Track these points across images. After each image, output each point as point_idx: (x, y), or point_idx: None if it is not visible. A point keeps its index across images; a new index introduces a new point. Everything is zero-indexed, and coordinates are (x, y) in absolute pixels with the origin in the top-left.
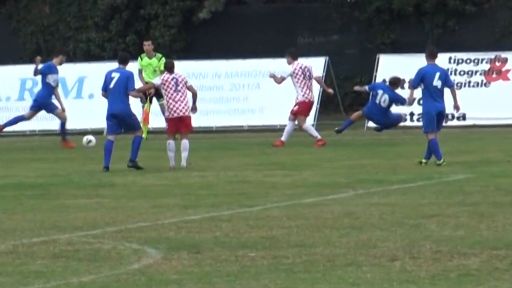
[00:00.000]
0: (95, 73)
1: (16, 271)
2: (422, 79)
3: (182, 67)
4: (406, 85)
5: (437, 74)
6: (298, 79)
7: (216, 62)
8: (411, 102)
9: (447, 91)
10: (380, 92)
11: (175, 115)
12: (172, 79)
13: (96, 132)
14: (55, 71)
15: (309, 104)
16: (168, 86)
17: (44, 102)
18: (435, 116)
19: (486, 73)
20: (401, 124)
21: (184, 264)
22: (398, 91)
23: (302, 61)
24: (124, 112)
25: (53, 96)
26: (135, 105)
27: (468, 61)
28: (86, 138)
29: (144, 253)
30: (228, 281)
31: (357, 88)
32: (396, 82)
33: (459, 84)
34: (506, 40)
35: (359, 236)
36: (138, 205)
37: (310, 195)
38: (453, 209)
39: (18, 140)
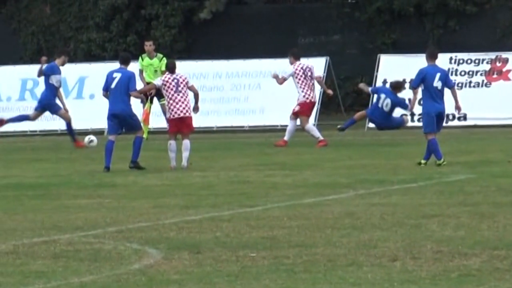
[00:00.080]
0: (95, 73)
1: (17, 271)
2: (422, 79)
3: (183, 67)
4: (407, 85)
5: (438, 75)
6: (299, 79)
7: (217, 62)
8: (412, 108)
9: (447, 92)
10: (382, 96)
11: (176, 116)
12: (173, 80)
13: (97, 133)
14: (58, 72)
15: (310, 105)
16: (169, 87)
17: (48, 103)
18: (434, 117)
19: (487, 74)
20: None
21: (185, 264)
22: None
23: (304, 61)
24: (125, 112)
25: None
26: (135, 105)
27: (469, 61)
28: (88, 138)
29: (145, 253)
30: (229, 281)
31: (362, 86)
32: (398, 86)
33: (460, 85)
34: (507, 41)
35: (360, 236)
36: (139, 205)
37: (310, 195)
38: (454, 209)
39: (19, 140)
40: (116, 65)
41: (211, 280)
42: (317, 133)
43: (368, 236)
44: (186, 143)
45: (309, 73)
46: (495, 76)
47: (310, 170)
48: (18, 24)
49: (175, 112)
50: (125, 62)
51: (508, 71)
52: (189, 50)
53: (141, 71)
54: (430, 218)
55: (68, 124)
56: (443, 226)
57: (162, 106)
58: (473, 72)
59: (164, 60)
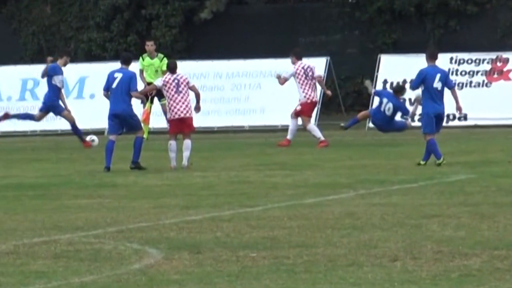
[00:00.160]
0: (96, 73)
1: (17, 271)
2: (423, 80)
3: (183, 67)
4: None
5: (438, 76)
6: (300, 79)
7: (217, 62)
8: (413, 116)
9: (447, 92)
10: (385, 100)
11: (176, 116)
12: (173, 80)
13: (97, 133)
14: (60, 72)
15: (312, 105)
16: (169, 87)
17: (51, 104)
18: (433, 118)
19: (487, 74)
20: None
21: (185, 264)
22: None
23: (305, 61)
24: (126, 112)
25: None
26: (135, 105)
27: (470, 61)
28: (89, 137)
29: (145, 253)
30: (229, 281)
31: (367, 83)
32: (400, 90)
33: (460, 85)
34: (508, 40)
35: (360, 237)
36: (139, 205)
37: (311, 195)
38: (454, 210)
39: (19, 140)
40: (116, 65)
41: (212, 280)
42: (318, 134)
43: (369, 236)
44: (187, 142)
45: (310, 73)
46: (495, 76)
47: (311, 170)
48: (19, 24)
49: (175, 113)
50: (126, 62)
51: (509, 71)
52: (190, 50)
53: (141, 71)
54: (431, 218)
55: (73, 125)
56: (444, 226)
57: (163, 106)
58: (473, 72)
59: (165, 60)
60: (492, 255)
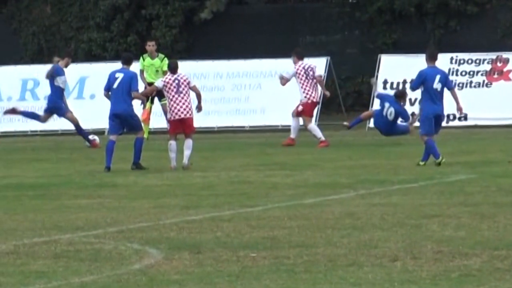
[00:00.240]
0: (96, 73)
1: (17, 271)
2: (422, 81)
3: (184, 67)
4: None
5: (438, 77)
6: (301, 79)
7: (217, 62)
8: (413, 123)
9: (447, 93)
10: (386, 105)
11: (177, 117)
12: (174, 81)
13: (97, 133)
14: (62, 73)
15: (313, 105)
16: (170, 88)
17: (54, 106)
18: (432, 119)
19: (487, 74)
20: None
21: (185, 264)
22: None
23: (306, 61)
24: (126, 113)
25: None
26: (136, 105)
27: (470, 61)
28: (91, 137)
29: (145, 253)
30: (229, 281)
31: (373, 81)
32: (402, 95)
33: (460, 85)
34: (508, 41)
35: (360, 237)
36: (140, 205)
37: (311, 195)
38: (454, 210)
39: (19, 140)
40: (116, 65)
41: (212, 280)
42: (319, 134)
43: (369, 236)
44: (189, 141)
45: (311, 73)
46: (495, 76)
47: (311, 170)
48: (19, 24)
49: (176, 113)
50: (127, 62)
51: (509, 71)
52: (190, 50)
53: (141, 71)
54: (431, 218)
55: (77, 126)
56: (444, 226)
57: (163, 106)
58: (473, 72)
59: (166, 61)
60: (492, 255)
